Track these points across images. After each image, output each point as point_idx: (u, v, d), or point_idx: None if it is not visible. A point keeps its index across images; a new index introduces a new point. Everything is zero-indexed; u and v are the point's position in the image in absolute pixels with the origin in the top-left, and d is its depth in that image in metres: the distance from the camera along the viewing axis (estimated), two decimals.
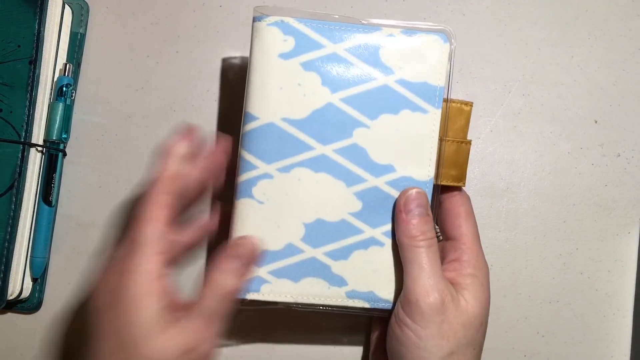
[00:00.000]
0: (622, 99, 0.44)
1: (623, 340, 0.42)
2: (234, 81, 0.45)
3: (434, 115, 0.36)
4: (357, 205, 0.36)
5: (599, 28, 0.44)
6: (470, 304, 0.34)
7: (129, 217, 0.38)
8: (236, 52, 0.46)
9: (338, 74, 0.36)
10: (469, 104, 0.37)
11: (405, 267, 0.34)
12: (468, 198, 0.38)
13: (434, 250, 0.34)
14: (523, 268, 0.43)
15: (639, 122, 0.44)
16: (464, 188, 0.38)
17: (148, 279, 0.31)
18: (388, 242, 0.36)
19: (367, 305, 0.36)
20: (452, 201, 0.37)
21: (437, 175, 0.36)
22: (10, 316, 0.44)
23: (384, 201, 0.36)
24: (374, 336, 0.40)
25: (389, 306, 0.36)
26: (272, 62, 0.36)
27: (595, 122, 0.44)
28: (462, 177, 0.37)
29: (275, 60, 0.36)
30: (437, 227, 0.39)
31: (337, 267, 0.36)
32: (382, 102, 0.36)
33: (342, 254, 0.36)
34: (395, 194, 0.36)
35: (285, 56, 0.36)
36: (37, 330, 0.44)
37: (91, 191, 0.45)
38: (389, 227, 0.36)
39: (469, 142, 0.37)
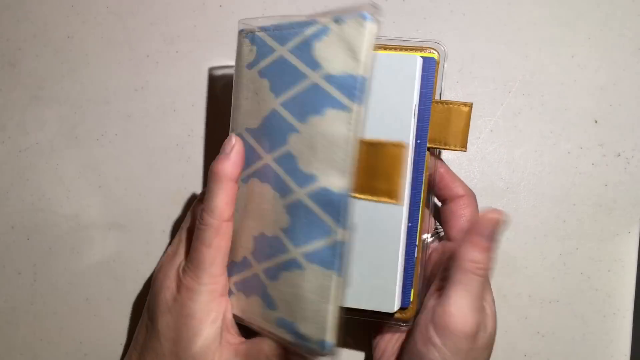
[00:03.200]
0: (622, 99, 0.44)
1: (623, 340, 0.42)
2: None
3: (353, 113, 0.29)
4: (286, 220, 0.31)
5: (599, 28, 0.44)
6: (490, 325, 0.33)
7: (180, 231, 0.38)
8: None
9: (281, 78, 0.32)
10: (468, 105, 0.36)
11: (451, 287, 0.32)
12: (474, 200, 0.37)
13: (486, 281, 0.33)
14: (523, 268, 0.43)
15: (639, 121, 0.43)
16: (470, 188, 0.38)
17: (210, 299, 0.34)
18: (308, 266, 0.30)
19: (292, 341, 0.31)
20: (460, 204, 0.37)
21: (358, 186, 0.32)
22: None
23: (307, 216, 0.30)
24: (377, 342, 0.40)
25: (311, 346, 0.30)
26: (241, 73, 0.35)
27: (596, 122, 0.44)
28: (393, 192, 0.31)
29: (243, 70, 0.35)
30: (438, 225, 0.39)
31: (270, 287, 0.32)
32: (310, 103, 0.31)
33: (273, 274, 0.32)
34: (315, 208, 0.30)
35: (249, 66, 0.34)
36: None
37: (91, 191, 0.45)
38: (310, 248, 0.30)
39: (401, 146, 0.31)
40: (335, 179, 0.30)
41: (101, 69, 0.46)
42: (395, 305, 0.35)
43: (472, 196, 0.37)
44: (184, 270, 0.34)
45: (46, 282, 0.45)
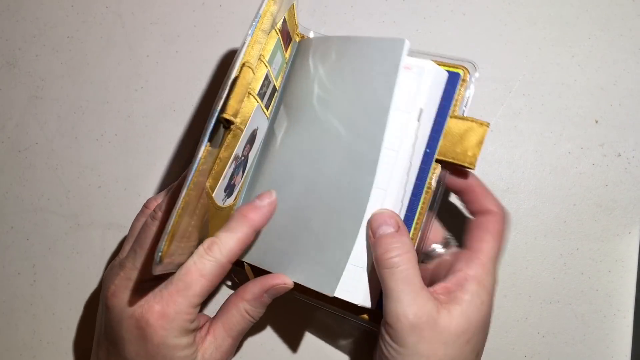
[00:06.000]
0: (622, 99, 0.44)
1: (623, 340, 0.42)
2: None
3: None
4: None
5: (599, 28, 0.44)
6: (455, 321, 0.32)
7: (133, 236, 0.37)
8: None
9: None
10: (485, 124, 0.35)
11: (382, 288, 0.33)
12: (505, 220, 0.36)
13: (405, 269, 0.32)
14: (523, 268, 0.43)
15: (639, 122, 0.43)
16: (503, 209, 0.36)
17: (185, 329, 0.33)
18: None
19: None
20: (489, 219, 0.35)
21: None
22: None
23: None
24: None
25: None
26: None
27: (596, 121, 0.44)
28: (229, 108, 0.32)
29: None
30: (449, 235, 0.38)
31: None
32: None
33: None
34: None
35: None
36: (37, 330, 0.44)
37: (91, 191, 0.45)
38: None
39: (249, 66, 0.33)
40: None
41: (101, 69, 0.46)
42: (338, 290, 0.33)
43: (504, 215, 0.36)
44: (155, 293, 0.32)
45: (46, 283, 0.45)
